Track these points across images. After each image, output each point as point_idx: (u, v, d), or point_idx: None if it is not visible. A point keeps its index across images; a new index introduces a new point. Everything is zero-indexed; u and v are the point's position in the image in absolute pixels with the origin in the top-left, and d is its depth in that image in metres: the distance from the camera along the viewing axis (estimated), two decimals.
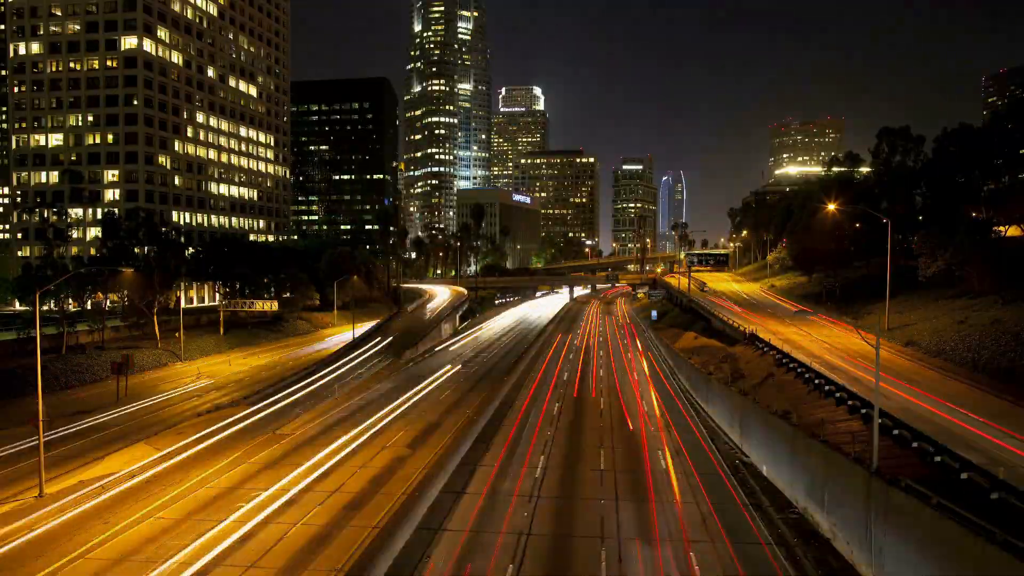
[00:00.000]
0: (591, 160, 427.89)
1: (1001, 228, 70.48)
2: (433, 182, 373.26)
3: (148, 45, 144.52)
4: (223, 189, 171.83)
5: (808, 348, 60.21)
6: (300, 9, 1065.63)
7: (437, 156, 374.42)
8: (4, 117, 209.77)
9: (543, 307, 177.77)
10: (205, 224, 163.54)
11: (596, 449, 42.39)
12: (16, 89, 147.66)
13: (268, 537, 29.56)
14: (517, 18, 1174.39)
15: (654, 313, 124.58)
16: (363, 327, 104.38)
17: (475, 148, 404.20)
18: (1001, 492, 22.45)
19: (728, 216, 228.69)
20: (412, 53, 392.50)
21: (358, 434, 47.06)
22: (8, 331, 77.16)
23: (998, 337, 49.24)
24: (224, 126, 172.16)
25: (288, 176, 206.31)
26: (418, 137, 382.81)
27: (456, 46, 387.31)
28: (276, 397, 60.57)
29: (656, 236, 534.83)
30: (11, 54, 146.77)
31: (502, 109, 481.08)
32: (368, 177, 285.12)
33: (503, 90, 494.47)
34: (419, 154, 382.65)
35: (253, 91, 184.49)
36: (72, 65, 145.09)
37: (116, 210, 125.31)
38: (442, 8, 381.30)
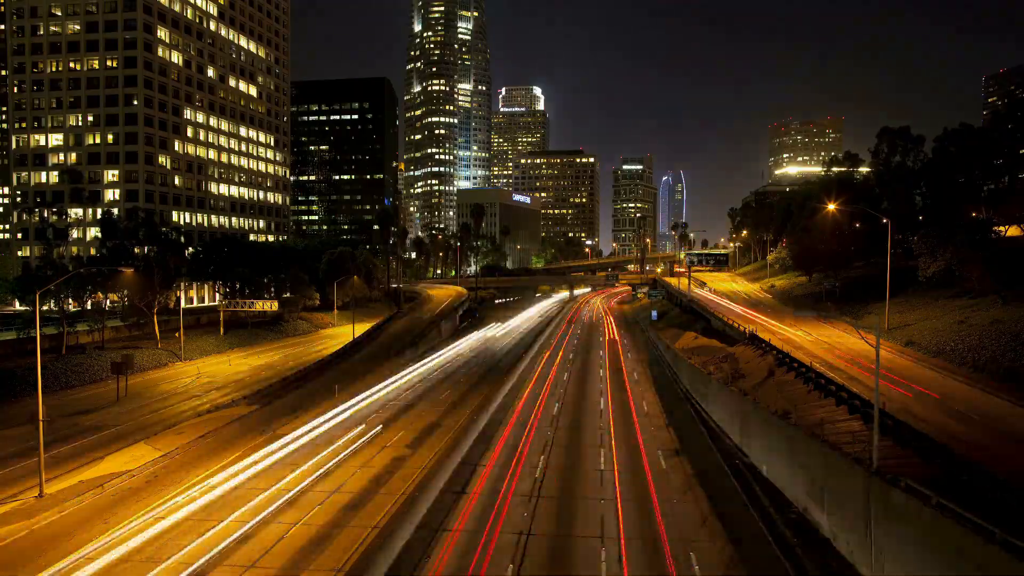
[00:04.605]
0: (591, 160, 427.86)
1: (1001, 228, 70.43)
2: (433, 182, 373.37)
3: (148, 45, 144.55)
4: (223, 189, 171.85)
5: (808, 348, 60.26)
6: (300, 9, 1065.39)
7: (437, 156, 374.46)
8: (4, 117, 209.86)
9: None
10: (205, 224, 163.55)
11: (596, 449, 42.40)
12: (16, 89, 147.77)
13: (268, 537, 29.56)
14: (517, 18, 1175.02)
15: (654, 313, 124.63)
16: (363, 327, 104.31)
17: (475, 148, 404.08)
18: (1001, 492, 22.44)
19: (728, 216, 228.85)
20: (412, 53, 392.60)
21: (358, 434, 47.06)
22: (8, 331, 77.24)
23: (998, 337, 49.30)
24: (224, 126, 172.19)
25: (288, 176, 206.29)
26: (418, 137, 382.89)
27: (456, 46, 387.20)
28: (276, 397, 60.60)
29: (656, 236, 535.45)
30: (11, 54, 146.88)
31: (502, 109, 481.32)
32: (368, 177, 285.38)
33: (503, 90, 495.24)
34: (419, 154, 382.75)
35: (253, 91, 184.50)
36: (72, 65, 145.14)
37: (116, 210, 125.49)
38: (442, 8, 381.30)
